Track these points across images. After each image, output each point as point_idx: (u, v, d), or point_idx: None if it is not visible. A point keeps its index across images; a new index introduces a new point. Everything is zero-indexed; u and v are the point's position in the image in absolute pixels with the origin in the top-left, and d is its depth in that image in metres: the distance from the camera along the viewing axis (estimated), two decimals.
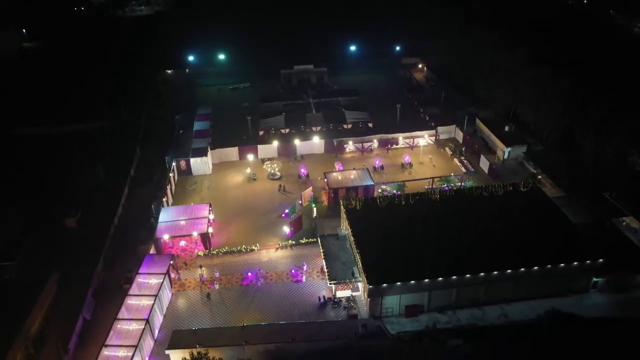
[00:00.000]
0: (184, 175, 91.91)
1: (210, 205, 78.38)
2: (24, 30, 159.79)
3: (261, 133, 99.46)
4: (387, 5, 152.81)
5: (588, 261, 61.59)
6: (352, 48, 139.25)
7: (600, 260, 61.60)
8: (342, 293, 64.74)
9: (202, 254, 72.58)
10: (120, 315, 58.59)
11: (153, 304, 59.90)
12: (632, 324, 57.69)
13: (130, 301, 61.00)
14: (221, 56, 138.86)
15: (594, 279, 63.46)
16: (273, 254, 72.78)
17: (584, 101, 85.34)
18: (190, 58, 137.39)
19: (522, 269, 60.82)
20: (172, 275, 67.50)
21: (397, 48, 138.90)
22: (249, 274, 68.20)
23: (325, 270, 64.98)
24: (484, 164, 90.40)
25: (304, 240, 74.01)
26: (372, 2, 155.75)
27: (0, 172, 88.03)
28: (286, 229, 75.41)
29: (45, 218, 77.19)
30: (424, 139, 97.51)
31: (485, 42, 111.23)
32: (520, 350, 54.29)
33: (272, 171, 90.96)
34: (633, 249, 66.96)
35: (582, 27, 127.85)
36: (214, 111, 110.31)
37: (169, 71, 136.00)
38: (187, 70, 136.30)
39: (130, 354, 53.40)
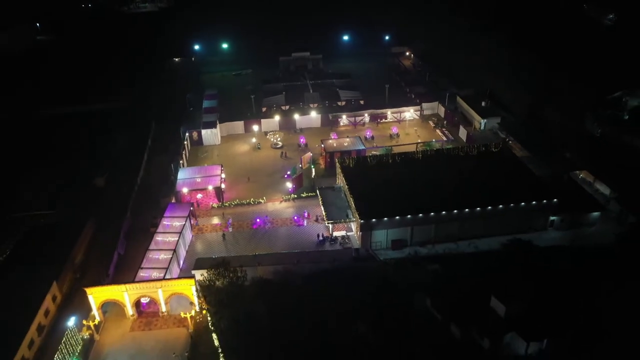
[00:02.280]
0: (196, 146, 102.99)
1: (222, 166, 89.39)
2: (37, 25, 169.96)
3: (264, 109, 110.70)
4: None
5: (545, 200, 73.23)
6: (345, 38, 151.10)
7: (555, 200, 73.32)
8: (338, 233, 75.98)
9: (216, 206, 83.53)
10: (151, 247, 69.38)
11: (178, 239, 70.77)
12: (577, 249, 69.37)
13: (158, 238, 71.72)
14: (224, 45, 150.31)
15: (551, 218, 75.08)
16: (278, 205, 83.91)
17: (548, 75, 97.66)
18: (196, 47, 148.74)
19: (490, 207, 72.37)
20: (192, 222, 78.30)
21: (387, 38, 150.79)
22: (258, 220, 79.23)
23: (324, 213, 76.17)
24: (463, 133, 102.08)
25: (304, 194, 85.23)
26: None
27: (37, 142, 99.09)
28: (289, 185, 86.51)
29: (77, 178, 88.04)
30: (410, 113, 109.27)
31: (465, 29, 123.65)
32: (485, 269, 65.48)
33: (275, 141, 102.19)
34: (584, 194, 78.81)
35: (553, 16, 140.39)
36: (220, 94, 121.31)
37: (176, 59, 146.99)
38: (192, 59, 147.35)
39: (162, 274, 64.23)
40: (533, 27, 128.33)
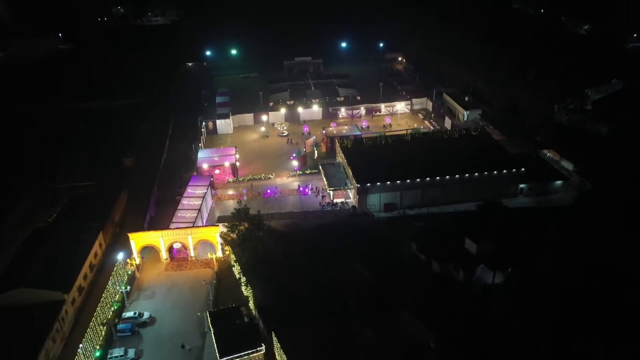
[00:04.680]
0: (211, 135, 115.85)
1: (236, 148, 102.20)
2: (60, 35, 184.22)
3: (271, 104, 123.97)
4: (375, 9, 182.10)
5: (514, 170, 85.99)
6: (344, 44, 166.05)
7: (523, 169, 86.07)
8: (338, 200, 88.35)
9: (232, 181, 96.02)
10: (179, 208, 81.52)
11: (202, 202, 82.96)
12: (541, 209, 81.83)
13: (185, 201, 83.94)
14: (233, 51, 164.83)
15: (520, 186, 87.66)
16: (286, 180, 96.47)
17: (522, 70, 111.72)
18: (207, 53, 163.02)
19: (467, 175, 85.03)
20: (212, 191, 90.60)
21: (381, 45, 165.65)
22: (268, 190, 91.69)
23: (325, 182, 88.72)
24: (448, 123, 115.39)
25: (308, 171, 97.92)
26: (361, 6, 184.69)
27: (73, 130, 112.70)
28: (295, 164, 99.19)
29: (108, 159, 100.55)
30: (401, 106, 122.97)
31: (453, 35, 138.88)
32: (462, 224, 77.65)
33: (281, 129, 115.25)
34: (550, 167, 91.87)
35: (533, 25, 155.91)
36: (230, 92, 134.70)
37: (190, 64, 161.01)
38: (204, 64, 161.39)
39: (190, 226, 76.30)
40: (514, 32, 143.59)
